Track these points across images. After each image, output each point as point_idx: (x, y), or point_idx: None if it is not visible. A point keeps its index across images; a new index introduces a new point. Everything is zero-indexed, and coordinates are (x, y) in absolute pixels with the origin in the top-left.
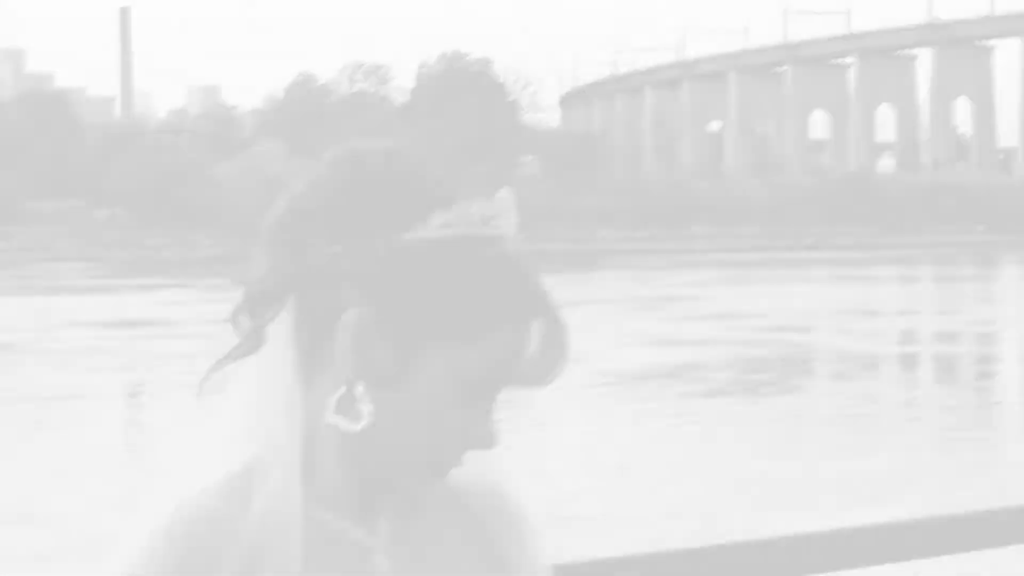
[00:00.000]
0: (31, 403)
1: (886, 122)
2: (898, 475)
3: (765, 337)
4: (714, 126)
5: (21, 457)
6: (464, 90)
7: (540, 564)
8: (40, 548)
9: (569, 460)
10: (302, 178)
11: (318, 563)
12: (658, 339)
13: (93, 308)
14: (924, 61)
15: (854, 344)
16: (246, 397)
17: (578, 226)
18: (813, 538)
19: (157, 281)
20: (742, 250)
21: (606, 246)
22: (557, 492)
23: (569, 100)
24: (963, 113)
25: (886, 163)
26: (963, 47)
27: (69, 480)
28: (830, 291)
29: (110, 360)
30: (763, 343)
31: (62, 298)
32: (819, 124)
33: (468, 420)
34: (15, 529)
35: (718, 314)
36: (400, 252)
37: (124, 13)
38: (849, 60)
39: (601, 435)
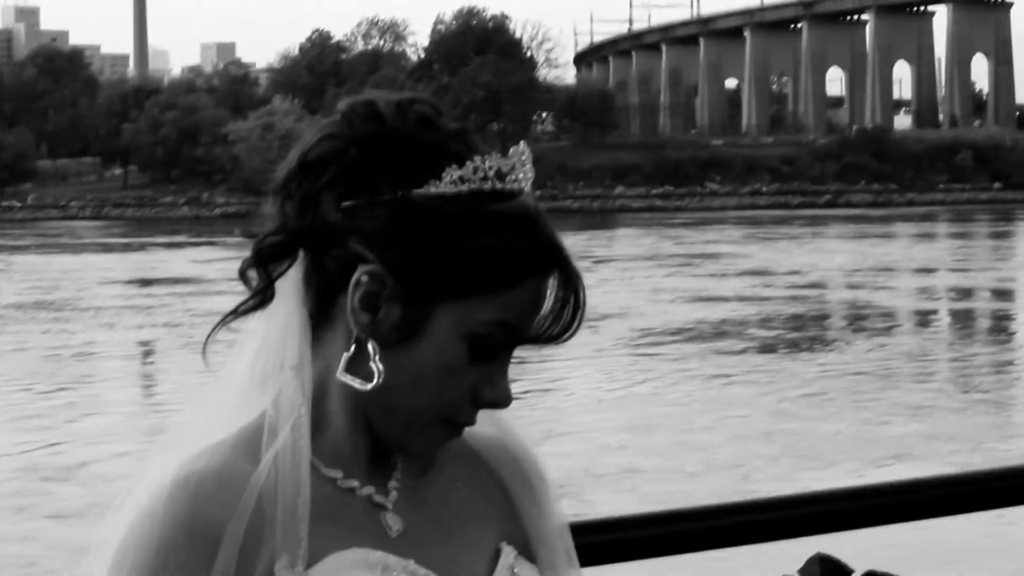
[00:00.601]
0: (80, 361)
1: (903, 79)
2: (940, 432)
3: (803, 294)
4: (730, 83)
5: (72, 413)
6: (480, 47)
7: (556, 523)
8: (78, 505)
9: (607, 416)
10: (313, 131)
11: (327, 520)
12: (697, 296)
13: (125, 266)
14: (941, 18)
15: (892, 301)
16: (255, 353)
17: (593, 184)
18: (846, 496)
19: (182, 239)
20: (758, 207)
21: (622, 204)
22: (593, 448)
23: (585, 57)
24: (980, 70)
25: (903, 120)
26: (980, 4)
27: (115, 438)
28: (857, 248)
29: (151, 317)
30: (801, 300)
31: (92, 256)
32: (836, 81)
33: (481, 378)
34: (55, 486)
35: (753, 271)
36: (412, 208)
37: None
38: (866, 17)
39: (640, 391)
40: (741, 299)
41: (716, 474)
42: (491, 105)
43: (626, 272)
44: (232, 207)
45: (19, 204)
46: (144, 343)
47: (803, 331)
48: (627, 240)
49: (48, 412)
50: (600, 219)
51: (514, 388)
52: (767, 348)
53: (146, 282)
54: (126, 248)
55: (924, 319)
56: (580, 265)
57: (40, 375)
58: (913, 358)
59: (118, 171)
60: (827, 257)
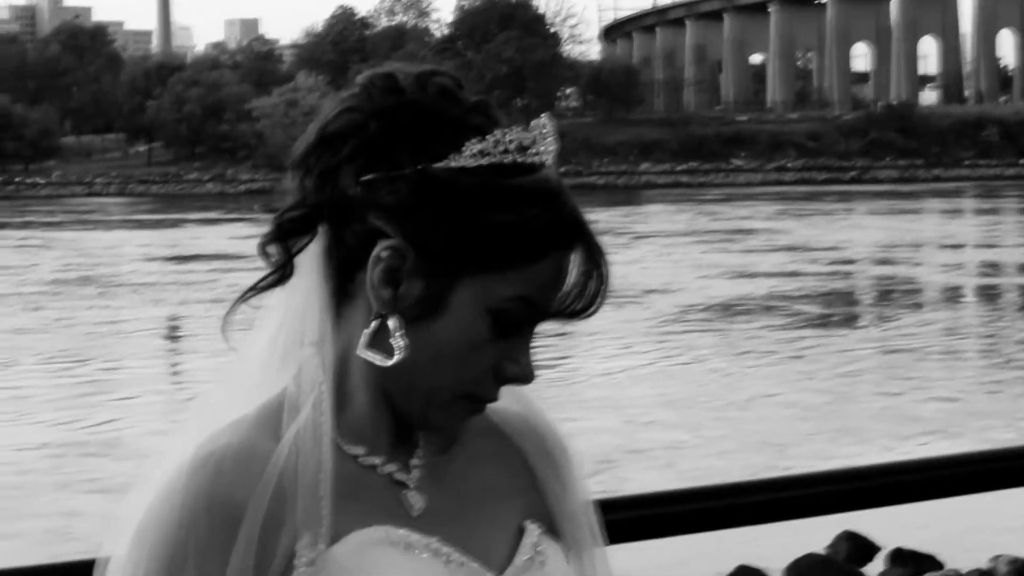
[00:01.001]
0: (124, 337)
1: (929, 54)
2: (976, 409)
3: (843, 269)
4: (755, 59)
5: (116, 389)
6: (504, 23)
7: (581, 500)
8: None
9: (649, 391)
10: (332, 104)
11: (349, 498)
12: (738, 271)
13: (163, 242)
14: None
15: (929, 276)
16: (276, 329)
17: (618, 160)
18: (874, 473)
19: (215, 216)
20: (784, 183)
21: (648, 180)
22: (634, 424)
23: (610, 33)
24: (1007, 45)
25: (929, 96)
26: None
27: (159, 414)
28: (893, 224)
29: (197, 292)
30: (842, 276)
31: (127, 232)
32: (861, 57)
33: (504, 354)
34: (99, 461)
35: (792, 246)
36: (433, 182)
37: None
38: None
39: (681, 367)
40: (782, 275)
41: (752, 450)
42: (515, 81)
43: (666, 248)
44: (257, 183)
45: (43, 181)
46: (188, 319)
47: (843, 307)
48: (663, 216)
49: (93, 387)
50: (625, 195)
51: (567, 364)
52: (808, 323)
53: (186, 258)
54: (160, 224)
55: (960, 295)
56: (617, 242)
57: (85, 351)
58: (950, 333)
59: (142, 148)
60: (866, 233)
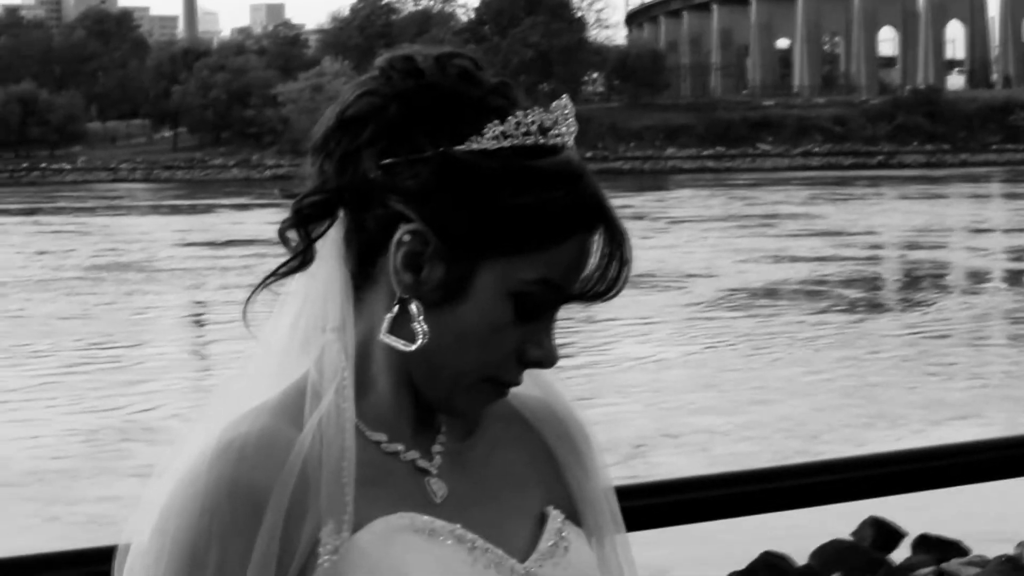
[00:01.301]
0: (165, 322)
1: (956, 39)
2: (1012, 393)
3: (881, 254)
4: (782, 43)
5: (156, 374)
6: (530, 7)
7: (602, 486)
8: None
9: (687, 375)
10: (351, 87)
11: (371, 485)
12: (777, 256)
13: (199, 227)
14: None
15: (968, 261)
16: (296, 315)
17: (644, 145)
18: (900, 458)
19: (246, 201)
20: (810, 168)
21: (674, 165)
22: (671, 408)
23: (636, 18)
24: None
25: (956, 80)
26: None
27: (198, 398)
28: (928, 208)
29: (238, 278)
30: (880, 260)
31: (161, 218)
32: (888, 41)
33: (526, 337)
34: (139, 447)
35: (828, 231)
36: (454, 165)
37: None
38: None
39: (721, 351)
40: (821, 259)
41: (786, 434)
42: (541, 66)
43: (702, 233)
44: (282, 169)
45: (69, 167)
46: (229, 304)
47: (882, 291)
48: (696, 201)
49: (134, 372)
50: (652, 180)
51: (609, 349)
52: (847, 308)
53: (222, 243)
54: (193, 210)
55: (995, 279)
56: (654, 227)
57: (124, 335)
58: (984, 318)
59: (167, 133)
60: (904, 217)
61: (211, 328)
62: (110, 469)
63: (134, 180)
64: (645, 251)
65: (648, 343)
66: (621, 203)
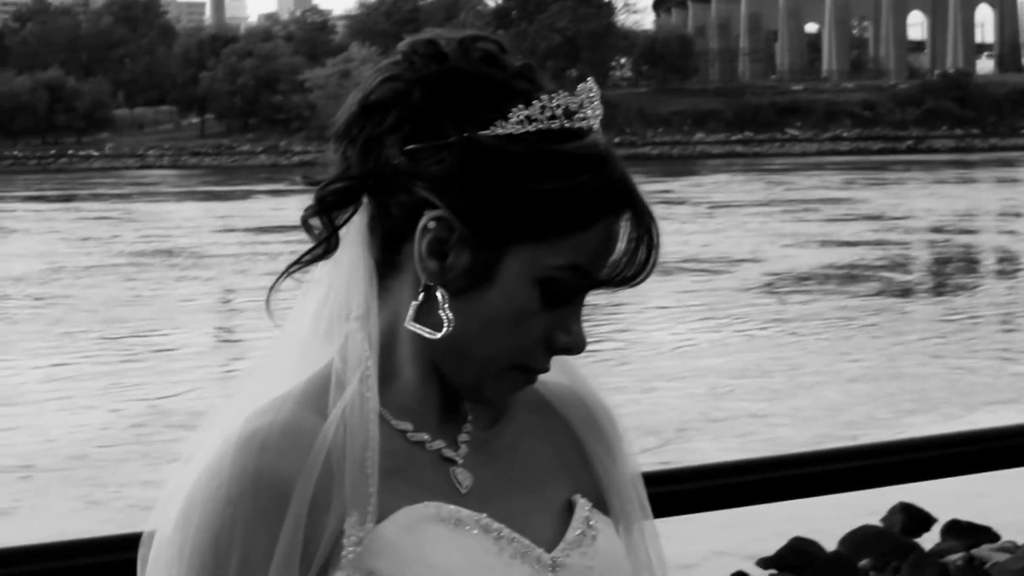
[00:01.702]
0: (213, 307)
1: (985, 23)
2: None
3: (928, 238)
4: (811, 28)
5: (203, 359)
6: None
7: (630, 473)
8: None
9: (730, 360)
10: (374, 73)
11: (396, 475)
12: (823, 240)
13: (239, 213)
14: None
15: (1014, 245)
16: (320, 303)
17: (673, 130)
18: (929, 444)
19: (283, 187)
20: (839, 153)
21: (702, 150)
22: (714, 392)
23: (664, 3)
24: None
25: (985, 64)
26: None
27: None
28: (969, 192)
29: (283, 264)
30: (927, 244)
31: (202, 204)
32: (917, 25)
33: (554, 324)
34: (185, 432)
35: (869, 215)
36: (479, 150)
37: None
38: None
39: (768, 335)
40: (867, 244)
41: (826, 419)
42: (569, 51)
43: (744, 219)
44: (309, 155)
45: (96, 153)
46: (276, 290)
47: (928, 274)
48: (733, 186)
49: (181, 357)
50: (681, 165)
51: (652, 335)
52: (893, 292)
53: (264, 229)
54: (231, 196)
55: None
56: (696, 211)
57: (170, 321)
58: None
59: (195, 119)
60: (948, 202)
61: (257, 314)
62: (155, 454)
63: (161, 167)
64: (690, 235)
65: (694, 329)
66: (660, 188)
